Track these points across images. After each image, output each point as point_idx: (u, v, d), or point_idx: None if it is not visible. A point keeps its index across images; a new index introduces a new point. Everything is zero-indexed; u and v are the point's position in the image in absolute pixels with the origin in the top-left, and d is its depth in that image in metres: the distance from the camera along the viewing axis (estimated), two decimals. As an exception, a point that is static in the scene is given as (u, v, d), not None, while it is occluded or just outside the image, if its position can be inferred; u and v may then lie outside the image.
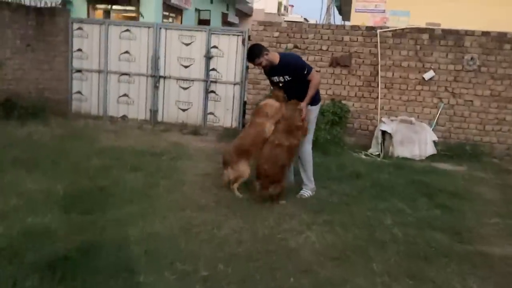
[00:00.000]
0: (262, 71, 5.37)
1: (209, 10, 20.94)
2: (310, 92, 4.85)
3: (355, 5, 14.15)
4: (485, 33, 7.96)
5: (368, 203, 4.81)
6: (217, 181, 5.27)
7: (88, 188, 4.65)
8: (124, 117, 9.53)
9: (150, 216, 4.04)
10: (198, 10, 20.17)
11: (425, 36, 8.14)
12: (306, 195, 5.04)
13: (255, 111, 5.31)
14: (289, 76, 4.88)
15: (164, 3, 16.86)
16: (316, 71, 5.46)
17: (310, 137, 5.09)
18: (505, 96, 8.04)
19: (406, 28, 8.22)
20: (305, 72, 4.84)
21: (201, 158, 6.58)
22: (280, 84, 5.00)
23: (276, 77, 4.96)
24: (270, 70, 4.98)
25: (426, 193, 5.28)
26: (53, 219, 3.79)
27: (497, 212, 4.90)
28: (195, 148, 7.24)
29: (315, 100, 5.05)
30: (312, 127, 5.08)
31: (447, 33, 8.08)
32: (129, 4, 15.34)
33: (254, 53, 4.85)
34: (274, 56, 4.91)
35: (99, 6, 17.07)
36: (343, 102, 8.31)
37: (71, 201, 4.21)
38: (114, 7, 17.13)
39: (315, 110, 5.11)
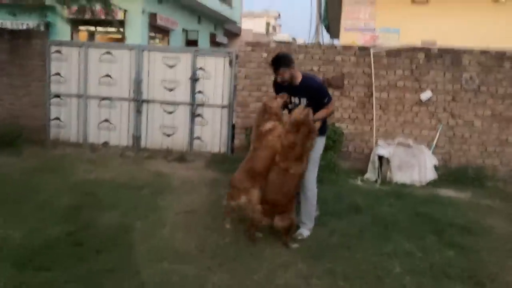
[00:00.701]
0: (272, 85, 4.85)
1: (197, 31, 20.61)
2: (322, 114, 4.44)
3: (344, 24, 13.88)
4: (484, 52, 7.60)
5: (371, 245, 4.30)
6: (203, 220, 4.75)
7: (51, 235, 4.09)
8: (105, 143, 8.97)
9: (119, 272, 3.48)
10: (185, 31, 19.82)
11: (421, 55, 7.76)
12: (305, 235, 4.50)
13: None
14: (308, 100, 4.42)
15: (150, 23, 16.49)
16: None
17: (315, 168, 4.58)
18: (506, 116, 7.65)
19: (401, 47, 7.82)
20: (325, 101, 4.46)
21: (185, 190, 6.04)
22: (290, 106, 4.55)
23: (291, 97, 4.50)
24: (287, 88, 4.50)
25: (434, 229, 4.79)
26: None
27: (514, 249, 4.42)
28: (180, 178, 6.70)
29: (325, 129, 4.65)
30: (317, 159, 4.58)
31: (443, 51, 7.71)
32: (114, 25, 14.89)
33: (283, 61, 4.36)
34: (297, 74, 4.47)
35: (82, 28, 16.65)
36: (336, 125, 7.86)
37: (28, 253, 3.65)
38: (99, 28, 16.73)
39: (322, 141, 4.64)
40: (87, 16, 13.53)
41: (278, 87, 4.61)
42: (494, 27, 10.07)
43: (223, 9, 22.07)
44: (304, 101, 4.43)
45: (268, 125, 4.32)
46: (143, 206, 5.14)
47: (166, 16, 17.14)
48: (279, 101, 4.44)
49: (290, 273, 3.64)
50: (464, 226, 4.97)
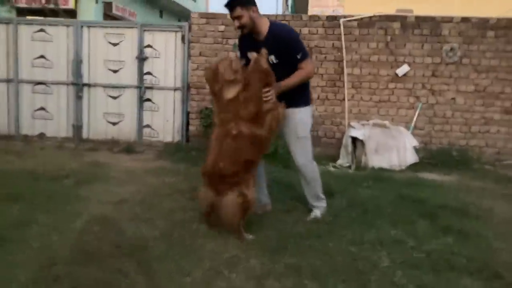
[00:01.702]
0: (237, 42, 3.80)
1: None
2: (294, 79, 3.41)
3: (311, 11, 13.08)
4: (465, 19, 6.79)
5: (349, 232, 3.32)
6: (132, 210, 3.70)
7: None
8: (41, 135, 7.76)
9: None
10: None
11: (396, 25, 6.90)
12: (319, 215, 3.73)
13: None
14: (276, 57, 3.38)
15: (105, 13, 15.30)
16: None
17: (304, 143, 3.65)
18: (491, 91, 6.85)
19: (374, 16, 6.94)
20: (299, 56, 3.40)
21: (122, 180, 4.97)
22: None
23: (255, 54, 3.41)
24: (250, 41, 3.46)
25: (424, 212, 3.86)
26: None
27: (524, 233, 3.53)
28: (120, 169, 5.60)
29: (306, 99, 3.64)
30: (304, 132, 3.63)
31: (421, 20, 6.87)
32: (61, 15, 13.62)
33: None
34: (262, 21, 3.41)
35: (29, 18, 15.29)
36: (305, 105, 6.89)
37: None
38: (48, 18, 15.42)
39: (309, 111, 3.68)
40: (34, 4, 12.28)
41: (244, 44, 3.56)
42: (463, 13, 9.46)
43: (186, 3, 20.98)
44: (272, 59, 3.40)
45: (230, 93, 3.19)
46: (58, 197, 4.03)
47: (123, 7, 15.96)
48: (234, 62, 3.24)
49: (238, 272, 2.61)
50: (459, 208, 4.07)
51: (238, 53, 3.65)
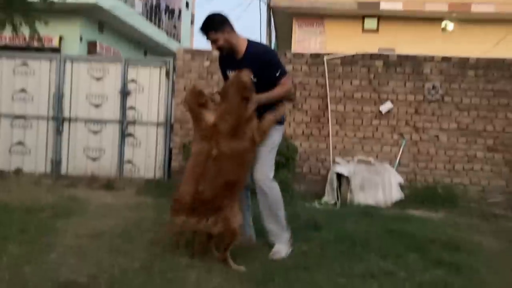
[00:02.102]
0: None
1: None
2: (273, 93, 3.34)
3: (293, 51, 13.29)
4: (446, 59, 6.95)
5: (337, 264, 3.18)
6: (110, 243, 3.50)
7: None
8: (17, 170, 7.51)
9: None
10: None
11: (379, 63, 7.02)
12: (284, 254, 3.38)
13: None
14: (255, 76, 3.30)
15: (88, 52, 15.31)
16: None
17: (269, 158, 3.45)
18: (473, 129, 6.93)
19: (357, 55, 7.06)
20: (277, 74, 3.37)
21: (100, 214, 4.76)
22: None
23: (234, 72, 3.40)
24: (228, 60, 3.45)
25: (413, 246, 3.75)
26: None
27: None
28: (99, 204, 5.38)
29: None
30: (271, 149, 3.47)
31: (403, 59, 7.01)
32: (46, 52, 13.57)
33: (213, 22, 3.34)
34: (239, 41, 3.40)
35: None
36: (288, 141, 6.85)
37: None
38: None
39: (279, 131, 3.55)
40: (18, 42, 12.24)
41: (224, 63, 3.57)
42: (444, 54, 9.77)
43: (171, 44, 21.21)
44: (251, 77, 3.32)
45: (212, 117, 3.15)
46: (33, 230, 3.82)
47: (108, 46, 16.03)
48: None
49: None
50: (448, 242, 3.98)
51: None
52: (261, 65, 3.32)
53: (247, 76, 3.13)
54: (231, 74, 3.42)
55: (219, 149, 2.99)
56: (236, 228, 2.95)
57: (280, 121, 3.53)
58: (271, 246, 3.46)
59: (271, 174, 3.48)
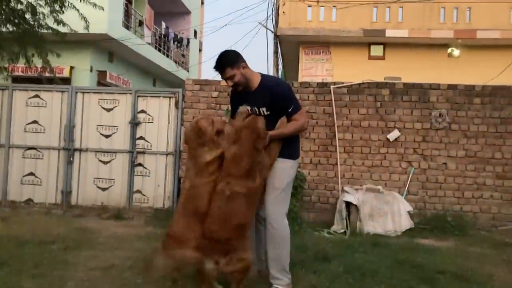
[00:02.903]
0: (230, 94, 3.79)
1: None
2: (286, 130, 3.33)
3: (300, 80, 13.45)
4: (452, 86, 7.01)
5: (347, 298, 3.17)
6: (122, 275, 3.53)
7: None
8: (28, 201, 7.60)
9: None
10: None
11: (385, 92, 7.09)
12: None
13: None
14: (268, 110, 3.34)
15: (99, 82, 15.59)
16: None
17: (283, 199, 3.43)
18: (481, 156, 6.92)
19: (363, 83, 7.15)
20: (290, 110, 3.33)
21: (111, 246, 4.80)
22: None
23: (248, 107, 3.39)
24: (241, 95, 3.45)
25: (423, 277, 3.74)
26: None
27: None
28: (108, 235, 5.44)
29: (292, 152, 3.48)
30: (286, 188, 3.43)
31: (409, 87, 7.08)
32: (57, 83, 13.84)
33: (228, 58, 3.34)
34: (253, 75, 3.42)
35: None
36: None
37: None
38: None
39: (294, 166, 3.51)
40: (30, 73, 12.50)
41: (235, 99, 3.57)
42: (449, 81, 9.87)
43: (180, 73, 21.54)
44: (263, 110, 3.36)
45: (208, 156, 3.16)
46: (45, 263, 3.86)
47: (117, 75, 16.32)
48: (216, 123, 3.26)
49: None
50: (458, 274, 3.96)
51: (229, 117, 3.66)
52: (273, 98, 3.32)
53: (261, 123, 3.13)
54: (240, 109, 3.41)
55: (233, 190, 2.99)
56: (250, 265, 2.94)
57: (294, 157, 3.52)
58: (270, 285, 3.35)
59: (285, 210, 3.45)
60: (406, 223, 6.38)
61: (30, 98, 7.71)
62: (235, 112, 3.48)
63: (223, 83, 7.27)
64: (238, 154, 3.02)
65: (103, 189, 7.51)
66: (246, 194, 3.01)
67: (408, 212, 6.49)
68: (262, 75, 3.49)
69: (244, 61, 3.40)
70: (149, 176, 7.45)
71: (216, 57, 3.41)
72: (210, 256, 2.93)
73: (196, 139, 3.19)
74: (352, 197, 6.51)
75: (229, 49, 3.50)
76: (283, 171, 3.39)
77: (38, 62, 9.27)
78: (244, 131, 3.05)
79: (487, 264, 4.55)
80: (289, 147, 3.41)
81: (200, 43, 27.57)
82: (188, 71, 23.17)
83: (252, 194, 3.07)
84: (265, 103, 3.34)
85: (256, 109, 3.37)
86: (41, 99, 7.69)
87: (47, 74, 10.49)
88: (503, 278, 4.05)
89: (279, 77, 4.22)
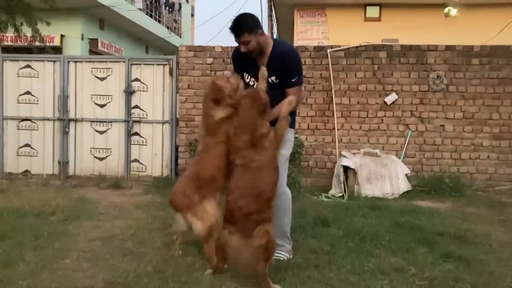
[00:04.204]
0: (232, 60, 3.69)
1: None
2: (287, 106, 3.21)
3: (296, 44, 13.24)
4: (450, 47, 6.92)
5: (347, 261, 3.21)
6: (123, 246, 3.55)
7: None
8: (26, 172, 7.58)
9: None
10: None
11: (383, 54, 6.99)
12: (282, 259, 3.29)
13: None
14: (277, 78, 3.27)
15: (90, 50, 15.32)
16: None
17: (284, 167, 3.38)
18: (479, 118, 6.91)
19: (360, 46, 7.04)
20: (294, 79, 3.27)
21: (111, 215, 4.81)
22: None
23: (253, 79, 3.34)
24: (251, 62, 3.32)
25: (422, 239, 3.78)
26: None
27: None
28: (107, 205, 5.44)
29: (293, 121, 3.48)
30: (285, 156, 3.38)
31: (407, 49, 6.98)
32: (48, 52, 13.59)
33: (246, 23, 3.20)
34: (268, 43, 3.31)
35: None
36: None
37: None
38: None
39: (289, 136, 3.42)
40: (20, 42, 12.24)
41: (240, 62, 3.44)
42: (447, 42, 9.75)
43: (173, 39, 21.16)
44: (273, 79, 3.28)
45: (221, 113, 3.14)
46: (46, 235, 3.87)
47: (109, 43, 16.03)
48: (233, 81, 3.21)
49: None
50: (456, 235, 4.00)
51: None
52: (283, 65, 3.25)
53: (265, 96, 3.08)
54: (248, 78, 3.37)
55: (257, 160, 2.92)
56: (273, 239, 2.81)
57: (294, 125, 3.51)
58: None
59: (285, 181, 3.44)
60: (403, 186, 6.42)
61: (22, 68, 7.57)
62: (240, 74, 3.39)
63: (218, 49, 7.19)
64: (246, 124, 2.96)
65: (100, 159, 7.49)
66: (259, 166, 2.91)
67: (406, 174, 6.51)
68: (275, 42, 3.39)
69: (261, 27, 3.28)
70: (146, 145, 7.42)
71: (234, 18, 3.27)
72: (245, 232, 2.75)
73: (213, 97, 3.15)
74: (349, 161, 6.52)
75: (248, 13, 3.34)
76: (289, 140, 3.40)
77: (27, 31, 9.08)
78: (246, 102, 2.99)
79: (484, 224, 4.61)
80: (291, 115, 3.37)
81: (192, 8, 26.99)
82: (181, 37, 22.77)
83: (268, 165, 2.96)
84: (275, 71, 3.26)
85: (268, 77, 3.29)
86: (33, 69, 7.55)
87: (37, 43, 10.30)
88: (500, 237, 4.11)
89: (292, 45, 4.06)
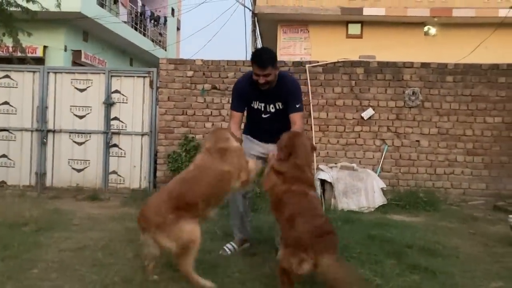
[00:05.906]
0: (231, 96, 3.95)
1: (128, 72, 19.45)
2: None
3: (278, 58, 13.40)
4: (425, 65, 7.09)
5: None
6: (94, 256, 3.54)
7: None
8: (2, 183, 7.49)
9: None
10: (114, 72, 18.64)
11: (360, 70, 7.14)
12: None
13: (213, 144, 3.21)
14: (282, 104, 3.61)
15: (73, 61, 15.27)
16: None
17: None
18: (453, 133, 7.07)
19: (338, 62, 7.18)
20: (297, 105, 3.59)
21: (83, 228, 4.78)
22: (264, 116, 3.68)
23: (262, 104, 3.66)
24: (253, 89, 3.63)
25: (391, 251, 3.84)
26: None
27: (489, 271, 3.54)
28: (82, 216, 5.41)
29: None
30: None
31: (383, 65, 7.13)
32: (29, 63, 13.52)
33: (272, 58, 3.49)
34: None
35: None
36: (273, 149, 6.92)
37: None
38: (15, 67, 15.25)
39: None
40: (1, 52, 12.14)
41: (246, 92, 3.68)
42: (425, 59, 9.95)
43: (157, 52, 21.22)
44: (279, 105, 3.62)
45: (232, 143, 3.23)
46: (16, 245, 3.83)
47: (93, 55, 16.01)
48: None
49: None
50: (425, 247, 4.07)
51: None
52: (287, 93, 3.56)
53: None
54: (257, 105, 3.65)
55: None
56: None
57: None
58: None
59: None
60: (379, 200, 6.50)
61: (0, 78, 7.53)
62: (241, 106, 3.70)
63: (198, 62, 7.27)
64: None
65: (78, 170, 7.45)
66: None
67: (382, 188, 6.61)
68: (280, 72, 3.64)
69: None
70: (124, 157, 7.41)
71: (258, 51, 3.74)
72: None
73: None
74: (326, 175, 6.59)
75: (268, 47, 3.86)
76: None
77: (9, 42, 9.04)
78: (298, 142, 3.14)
79: (454, 237, 4.70)
80: None
81: (178, 21, 27.14)
82: (165, 50, 22.84)
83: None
84: (280, 99, 3.59)
85: (272, 106, 3.63)
86: (12, 79, 7.53)
87: (18, 54, 10.25)
88: (468, 250, 4.20)
89: (290, 74, 4.40)
